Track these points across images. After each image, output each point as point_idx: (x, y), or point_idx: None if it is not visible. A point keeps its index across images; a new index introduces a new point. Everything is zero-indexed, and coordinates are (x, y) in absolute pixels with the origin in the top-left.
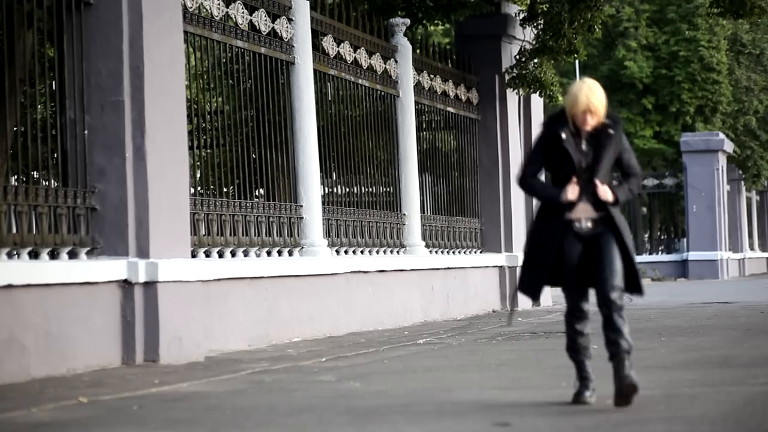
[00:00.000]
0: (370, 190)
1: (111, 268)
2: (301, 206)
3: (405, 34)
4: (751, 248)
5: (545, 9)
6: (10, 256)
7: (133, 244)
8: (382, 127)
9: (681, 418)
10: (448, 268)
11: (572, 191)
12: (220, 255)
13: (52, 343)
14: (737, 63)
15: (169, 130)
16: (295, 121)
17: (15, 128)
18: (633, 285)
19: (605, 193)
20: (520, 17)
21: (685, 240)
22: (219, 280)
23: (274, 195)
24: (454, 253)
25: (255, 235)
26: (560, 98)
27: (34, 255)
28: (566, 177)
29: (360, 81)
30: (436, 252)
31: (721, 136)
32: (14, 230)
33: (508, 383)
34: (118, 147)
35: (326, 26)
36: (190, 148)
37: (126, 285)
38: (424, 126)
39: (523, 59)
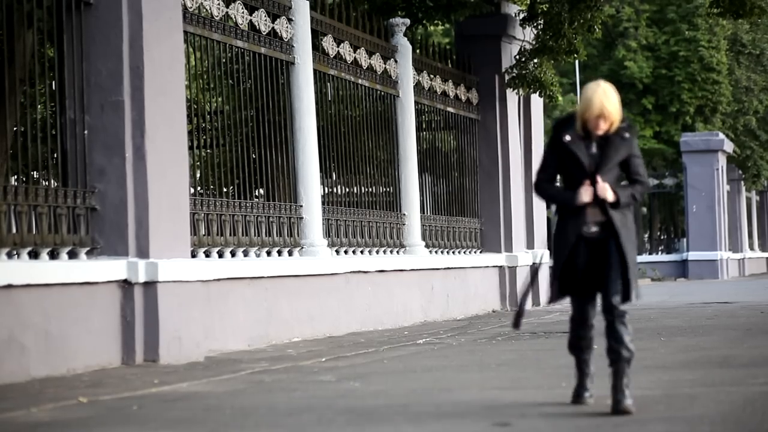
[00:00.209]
0: (370, 190)
1: (111, 268)
2: (301, 206)
3: (405, 34)
4: (751, 248)
5: (545, 9)
6: (9, 256)
7: (132, 244)
8: (382, 127)
9: (681, 418)
10: (448, 268)
11: (586, 193)
12: (220, 255)
13: (51, 343)
14: (737, 63)
15: (169, 130)
16: (295, 121)
17: (15, 128)
18: (624, 291)
19: (604, 190)
20: (520, 17)
21: (684, 240)
22: (219, 280)
23: (274, 195)
24: (454, 253)
25: (255, 235)
26: (560, 98)
27: (34, 255)
28: (577, 180)
29: (360, 81)
30: (436, 252)
31: (721, 136)
32: (14, 230)
33: (508, 383)
34: (118, 147)
35: (326, 26)
36: (190, 148)
37: (126, 285)
38: (423, 126)
39: (523, 59)
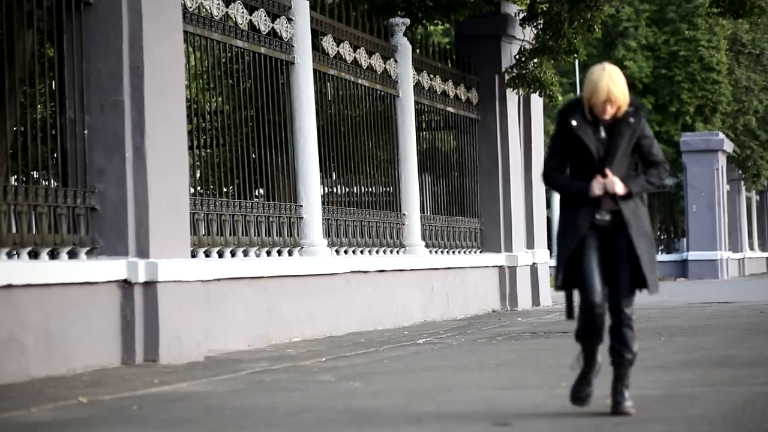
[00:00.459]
0: (370, 190)
1: (111, 268)
2: (301, 206)
3: (405, 34)
4: (751, 248)
5: (545, 9)
6: (9, 255)
7: (132, 244)
8: (382, 127)
9: (681, 418)
10: (448, 268)
11: (599, 186)
12: (220, 255)
13: (51, 343)
14: (737, 63)
15: (168, 130)
16: (294, 121)
17: (15, 128)
18: (641, 282)
19: (613, 184)
20: (520, 17)
21: (684, 240)
22: (219, 280)
23: (273, 195)
24: (453, 253)
25: (255, 235)
26: (560, 98)
27: (34, 255)
28: (585, 167)
29: (360, 81)
30: (435, 252)
31: (721, 135)
32: (14, 230)
33: (508, 383)
34: (117, 147)
35: (326, 26)
36: (190, 148)
37: (126, 285)
38: (423, 126)
39: (523, 59)
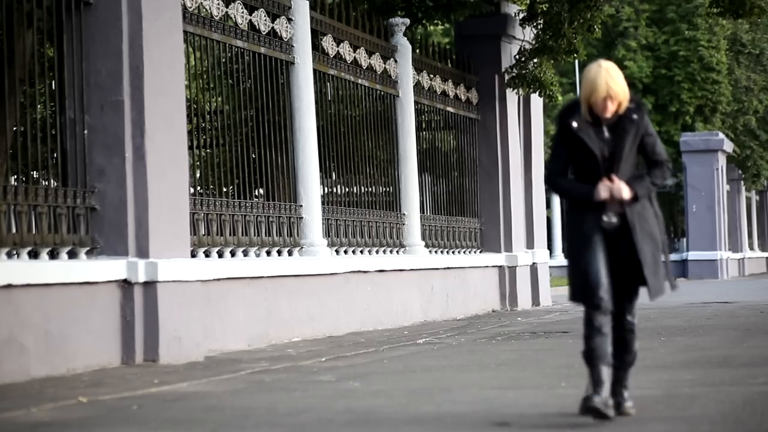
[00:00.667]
0: (370, 189)
1: (110, 268)
2: (301, 206)
3: (405, 34)
4: (751, 248)
5: (545, 9)
6: (9, 255)
7: (132, 244)
8: (382, 127)
9: (681, 418)
10: (448, 268)
11: (605, 189)
12: (220, 255)
13: (51, 343)
14: (737, 63)
15: (168, 130)
16: (294, 121)
17: (15, 128)
18: (643, 282)
19: (619, 190)
20: (520, 17)
21: (684, 240)
22: (219, 279)
23: (273, 195)
24: (453, 252)
25: (255, 235)
26: (560, 98)
27: (34, 255)
28: (589, 169)
29: (360, 81)
30: (435, 252)
31: (721, 135)
32: (14, 230)
33: (508, 383)
34: (117, 147)
35: (326, 26)
36: (190, 147)
37: (126, 285)
38: (423, 126)
39: (523, 59)
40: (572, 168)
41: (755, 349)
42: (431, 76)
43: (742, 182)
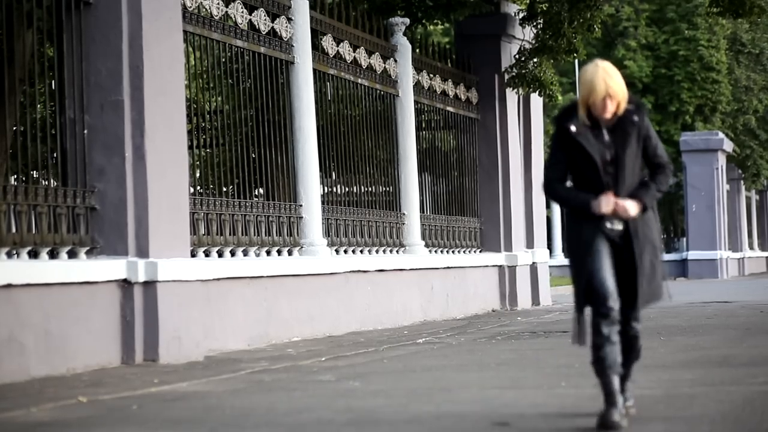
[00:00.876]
0: (370, 189)
1: (110, 268)
2: (301, 206)
3: (404, 34)
4: (751, 248)
5: (545, 8)
6: (9, 255)
7: (132, 244)
8: (382, 126)
9: (681, 417)
10: (448, 268)
11: (607, 203)
12: (220, 254)
13: (51, 343)
14: (737, 62)
15: (168, 130)
16: (294, 121)
17: (15, 128)
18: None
19: (625, 210)
20: (520, 17)
21: (684, 239)
22: (218, 279)
23: (273, 194)
24: (453, 252)
25: (254, 235)
26: (560, 98)
27: (34, 254)
28: (588, 175)
29: (359, 80)
30: (435, 251)
31: (721, 135)
32: (14, 230)
33: (508, 383)
34: (117, 147)
35: (326, 26)
36: (190, 147)
37: (125, 284)
38: (423, 125)
39: (523, 59)
40: (571, 174)
41: (755, 348)
42: (431, 75)
43: (742, 182)
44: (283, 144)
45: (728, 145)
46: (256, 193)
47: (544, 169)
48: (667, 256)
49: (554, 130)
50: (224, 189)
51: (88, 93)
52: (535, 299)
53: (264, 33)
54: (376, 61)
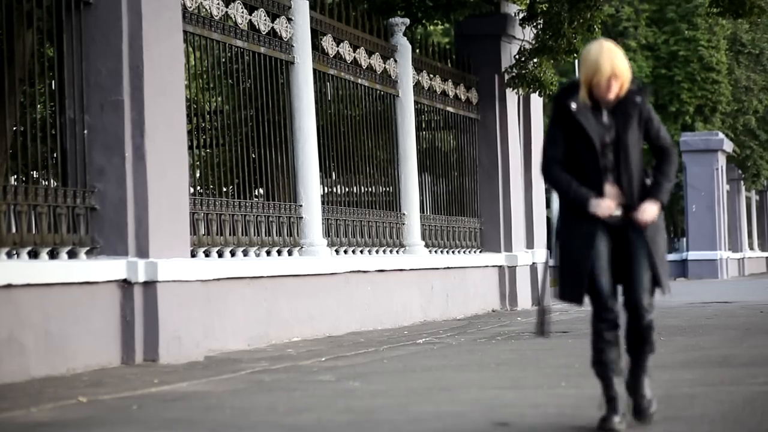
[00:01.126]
0: (370, 189)
1: (110, 268)
2: (301, 206)
3: (404, 34)
4: (751, 248)
5: (545, 9)
6: (9, 255)
7: (132, 244)
8: (382, 126)
9: (681, 418)
10: (448, 268)
11: (606, 206)
12: (220, 255)
13: (51, 343)
14: (737, 63)
15: (168, 130)
16: (294, 121)
17: (15, 128)
18: (652, 284)
19: (644, 215)
20: (520, 17)
21: (684, 240)
22: (218, 279)
23: (273, 195)
24: (453, 252)
25: (254, 235)
26: None
27: (34, 255)
28: (584, 157)
29: (359, 81)
30: (435, 252)
31: (721, 135)
32: (14, 230)
33: (508, 383)
34: (117, 147)
35: (326, 26)
36: (190, 147)
37: (125, 285)
38: (423, 126)
39: (523, 59)
40: (566, 155)
41: (755, 348)
42: (431, 75)
43: (742, 182)
44: (283, 144)
45: (728, 146)
46: (256, 193)
47: (542, 148)
48: (667, 257)
49: (553, 108)
50: (224, 189)
51: (88, 93)
52: (535, 299)
53: (264, 33)
54: (376, 62)
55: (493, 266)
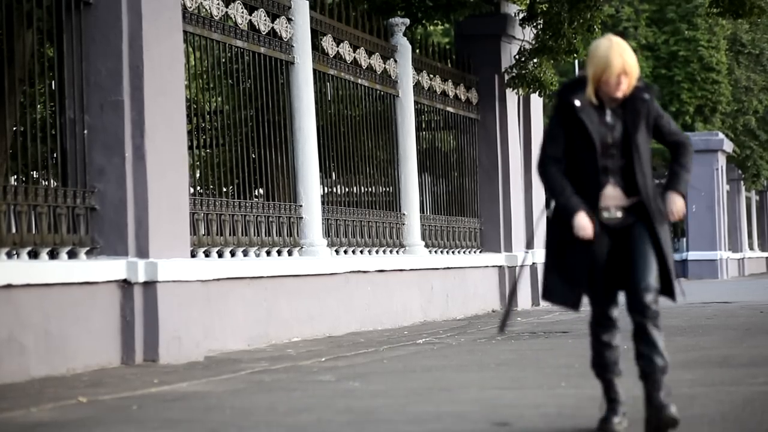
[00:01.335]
0: (370, 189)
1: (110, 268)
2: (301, 206)
3: (404, 34)
4: (751, 248)
5: (545, 9)
6: (9, 255)
7: (132, 244)
8: (382, 127)
9: (681, 418)
10: (448, 268)
11: (585, 231)
12: (220, 255)
13: (51, 343)
14: (737, 63)
15: (168, 130)
16: (294, 121)
17: (15, 128)
18: (665, 287)
19: (674, 207)
20: (520, 17)
21: (684, 240)
22: (218, 279)
23: (273, 195)
24: (453, 252)
25: (254, 235)
26: None
27: (34, 255)
28: (583, 156)
29: (359, 81)
30: (435, 252)
31: (721, 135)
32: (14, 230)
33: (508, 383)
34: (117, 147)
35: (326, 26)
36: (190, 147)
37: (125, 285)
38: (423, 126)
39: (523, 59)
40: (565, 154)
41: (755, 349)
42: (431, 76)
43: (742, 182)
44: (283, 144)
45: (728, 146)
46: (256, 193)
47: (541, 145)
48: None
49: (556, 104)
50: (224, 189)
51: (88, 93)
52: (535, 300)
53: (264, 33)
54: (376, 62)
55: (493, 266)
